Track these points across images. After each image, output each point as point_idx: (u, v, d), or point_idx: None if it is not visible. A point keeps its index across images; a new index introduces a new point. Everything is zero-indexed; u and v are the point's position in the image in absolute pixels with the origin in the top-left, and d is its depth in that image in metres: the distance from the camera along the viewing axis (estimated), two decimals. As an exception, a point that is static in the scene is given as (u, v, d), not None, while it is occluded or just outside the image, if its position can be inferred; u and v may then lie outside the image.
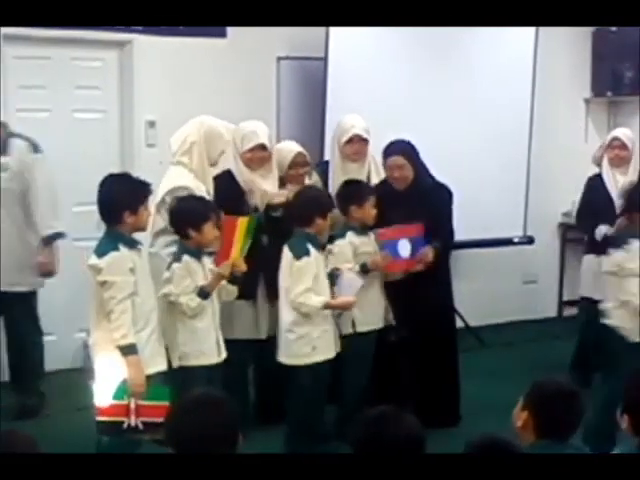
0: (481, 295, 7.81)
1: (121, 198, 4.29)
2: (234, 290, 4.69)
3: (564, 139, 8.21)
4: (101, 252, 4.24)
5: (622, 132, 6.31)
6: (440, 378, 5.42)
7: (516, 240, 7.86)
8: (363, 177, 5.42)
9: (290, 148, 5.34)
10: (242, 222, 4.73)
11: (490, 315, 7.91)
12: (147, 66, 6.62)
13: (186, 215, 4.48)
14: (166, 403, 3.96)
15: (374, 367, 5.21)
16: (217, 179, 5.12)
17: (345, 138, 5.36)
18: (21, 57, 6.31)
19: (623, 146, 6.13)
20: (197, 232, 4.45)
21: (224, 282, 4.57)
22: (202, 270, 4.50)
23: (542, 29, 7.54)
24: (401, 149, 5.34)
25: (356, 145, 5.37)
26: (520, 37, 7.52)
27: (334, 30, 6.57)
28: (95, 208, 6.65)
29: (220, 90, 6.73)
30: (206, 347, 4.54)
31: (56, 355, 6.51)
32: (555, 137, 8.04)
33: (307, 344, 4.81)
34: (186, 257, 4.47)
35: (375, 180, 5.48)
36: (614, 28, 8.15)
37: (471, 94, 7.29)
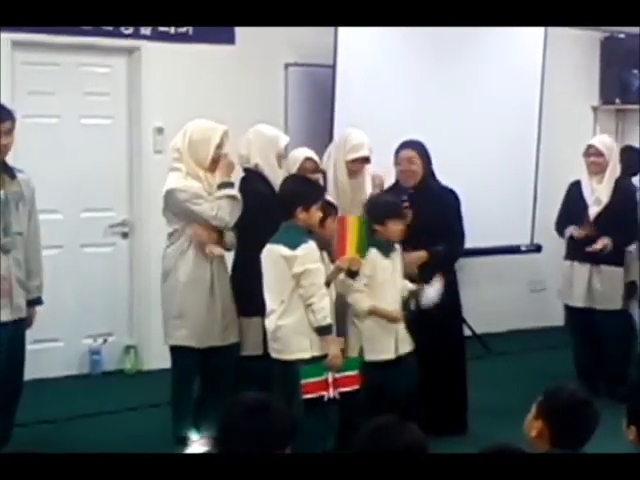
0: (488, 303, 7.80)
1: (295, 195, 4.67)
2: (351, 283, 4.94)
3: (572, 146, 8.17)
4: (293, 244, 4.54)
5: (599, 139, 6.44)
6: (448, 386, 5.40)
7: (523, 248, 7.86)
8: (364, 192, 5.44)
9: (298, 154, 5.34)
10: (352, 220, 4.93)
11: (497, 323, 7.89)
12: (155, 72, 6.63)
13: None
14: (356, 372, 4.62)
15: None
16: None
17: (354, 156, 5.35)
18: (30, 63, 6.33)
19: (598, 153, 6.22)
20: (321, 227, 4.73)
21: (342, 275, 4.84)
22: (322, 263, 4.71)
23: (551, 36, 7.54)
24: (413, 144, 5.41)
25: (362, 164, 5.40)
26: (528, 44, 7.53)
27: (342, 37, 6.58)
28: (103, 214, 6.80)
29: (228, 97, 6.74)
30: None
31: (62, 361, 6.54)
32: (563, 144, 8.02)
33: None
34: None
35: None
36: (623, 35, 8.16)
37: (479, 101, 7.30)
